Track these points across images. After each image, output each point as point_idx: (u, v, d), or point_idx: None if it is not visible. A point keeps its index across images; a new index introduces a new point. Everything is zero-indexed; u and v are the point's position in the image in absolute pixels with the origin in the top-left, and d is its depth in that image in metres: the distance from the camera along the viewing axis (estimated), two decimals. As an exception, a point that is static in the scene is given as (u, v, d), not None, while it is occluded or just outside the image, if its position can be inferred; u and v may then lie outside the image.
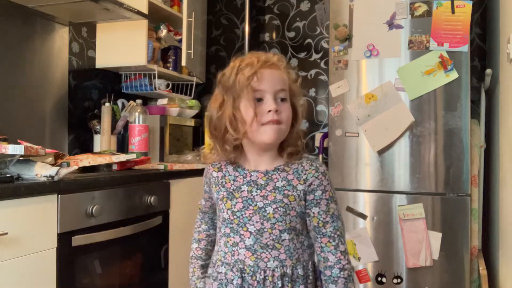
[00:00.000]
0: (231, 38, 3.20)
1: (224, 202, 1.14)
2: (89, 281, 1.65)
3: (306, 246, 1.14)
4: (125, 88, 2.69)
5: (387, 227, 2.26)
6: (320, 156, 2.76)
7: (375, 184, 2.29)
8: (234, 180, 1.15)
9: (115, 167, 1.99)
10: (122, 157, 1.95)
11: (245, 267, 1.10)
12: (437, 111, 2.21)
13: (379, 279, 2.26)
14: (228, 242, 1.13)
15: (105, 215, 1.68)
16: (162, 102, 2.74)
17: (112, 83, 2.66)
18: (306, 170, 1.12)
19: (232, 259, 1.11)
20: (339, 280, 1.09)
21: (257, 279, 1.08)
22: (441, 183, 2.20)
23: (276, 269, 1.09)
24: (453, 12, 2.17)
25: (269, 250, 1.09)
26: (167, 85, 2.77)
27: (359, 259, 2.28)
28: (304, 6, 3.06)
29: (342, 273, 1.09)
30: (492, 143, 2.40)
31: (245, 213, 1.11)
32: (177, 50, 2.83)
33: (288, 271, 1.09)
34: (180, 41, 2.79)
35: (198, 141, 2.93)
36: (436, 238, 2.18)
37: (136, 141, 2.38)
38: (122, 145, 2.51)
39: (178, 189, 2.16)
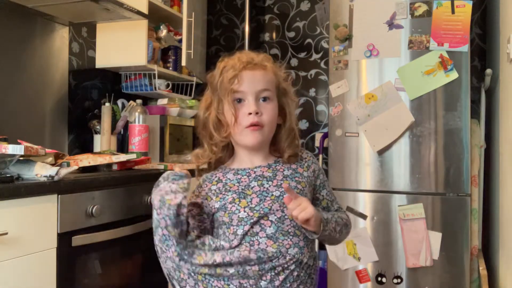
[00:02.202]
0: (231, 38, 3.20)
1: (237, 202, 1.11)
2: (89, 281, 1.65)
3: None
4: (125, 88, 2.69)
5: (387, 227, 2.26)
6: (320, 156, 2.76)
7: (375, 184, 2.29)
8: (239, 182, 1.14)
9: (115, 167, 1.99)
10: (122, 157, 1.95)
11: (268, 254, 1.08)
12: (437, 111, 2.21)
13: (379, 279, 2.26)
14: (246, 235, 1.10)
15: (105, 215, 1.68)
16: (162, 102, 2.74)
17: (112, 83, 2.66)
18: (305, 158, 1.19)
19: (251, 249, 1.09)
20: (344, 218, 1.21)
21: (279, 264, 1.07)
22: (441, 183, 2.20)
23: (296, 255, 1.09)
24: (453, 12, 2.17)
25: (290, 237, 1.10)
26: (167, 85, 2.77)
27: (359, 259, 2.28)
28: (304, 6, 3.06)
29: (348, 218, 1.23)
30: (492, 143, 2.40)
31: (264, 205, 1.10)
32: (177, 50, 2.82)
33: (305, 259, 1.11)
34: (180, 41, 2.79)
35: (198, 141, 2.93)
36: (436, 238, 2.18)
37: (136, 141, 2.38)
38: (122, 145, 2.51)
39: (178, 189, 2.16)
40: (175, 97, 2.81)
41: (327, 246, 2.34)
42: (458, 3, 2.17)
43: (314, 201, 1.19)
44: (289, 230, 1.10)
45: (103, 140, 2.37)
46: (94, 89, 2.55)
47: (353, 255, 2.28)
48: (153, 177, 2.04)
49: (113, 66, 2.57)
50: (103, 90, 2.59)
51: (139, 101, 2.49)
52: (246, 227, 1.09)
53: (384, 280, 2.25)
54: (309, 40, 3.05)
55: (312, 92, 3.03)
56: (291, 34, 3.09)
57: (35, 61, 2.18)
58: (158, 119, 2.54)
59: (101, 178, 1.70)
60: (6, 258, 1.31)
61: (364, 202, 2.31)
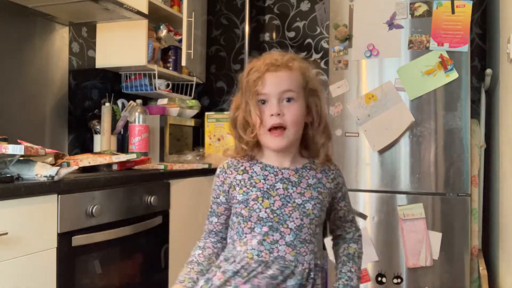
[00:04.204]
0: (231, 38, 3.20)
1: (260, 201, 1.12)
2: (89, 281, 1.65)
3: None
4: (125, 88, 2.69)
5: (387, 227, 2.26)
6: (320, 156, 2.75)
7: (375, 184, 2.29)
8: (265, 179, 1.15)
9: (115, 167, 1.99)
10: (122, 157, 1.95)
11: (286, 262, 1.11)
12: (437, 111, 2.21)
13: (379, 279, 2.26)
14: (265, 240, 1.11)
15: (105, 215, 1.68)
16: (162, 102, 2.74)
17: (112, 83, 2.66)
18: (332, 169, 1.21)
19: (270, 256, 1.11)
20: (359, 241, 1.26)
21: (297, 272, 1.11)
22: (441, 183, 2.20)
23: (311, 261, 1.13)
24: (453, 12, 2.17)
25: (307, 245, 1.13)
26: (167, 85, 2.77)
27: (359, 259, 2.28)
28: (304, 6, 3.06)
29: (360, 237, 1.28)
30: (492, 143, 2.40)
31: (284, 210, 1.12)
32: (177, 50, 2.83)
33: (319, 262, 1.15)
34: (180, 41, 2.79)
35: (198, 141, 2.93)
36: (436, 238, 2.18)
37: (136, 141, 2.38)
38: (122, 145, 2.51)
39: (178, 189, 2.16)
40: (175, 97, 2.81)
41: (327, 246, 2.34)
42: (458, 3, 2.17)
43: (332, 210, 1.23)
44: (306, 238, 1.13)
45: (103, 140, 2.37)
46: (94, 89, 2.55)
47: (353, 255, 2.28)
48: (153, 177, 2.06)
49: (113, 66, 2.57)
50: (103, 90, 2.59)
51: (139, 101, 2.49)
52: (265, 228, 1.11)
53: (384, 280, 2.25)
54: (309, 40, 3.05)
55: (312, 92, 3.03)
56: (291, 34, 3.09)
57: (35, 61, 2.18)
58: (158, 119, 2.54)
59: (101, 178, 1.70)
60: (6, 258, 1.31)
61: (364, 202, 2.31)
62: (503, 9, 2.14)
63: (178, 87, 3.02)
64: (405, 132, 2.23)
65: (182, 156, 2.57)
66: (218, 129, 2.84)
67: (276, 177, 1.15)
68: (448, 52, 2.18)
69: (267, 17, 3.15)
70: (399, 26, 2.25)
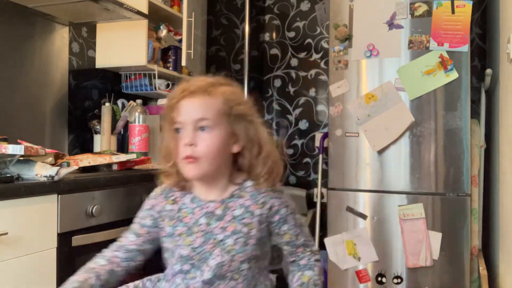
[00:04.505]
0: (231, 38, 3.20)
1: (183, 238, 1.07)
2: (89, 281, 1.64)
3: (264, 268, 1.13)
4: (125, 88, 2.69)
5: (387, 227, 2.26)
6: (320, 156, 2.76)
7: (375, 184, 2.29)
8: (192, 213, 1.09)
9: (115, 167, 1.99)
10: (122, 157, 1.95)
11: None
12: (437, 111, 2.21)
13: (379, 279, 2.26)
14: (186, 278, 1.08)
15: (105, 215, 1.68)
16: (162, 102, 2.74)
17: (112, 83, 2.66)
18: (263, 192, 1.08)
19: None
20: (315, 267, 1.15)
21: None
22: (441, 183, 2.20)
23: None
24: (453, 12, 2.17)
25: (227, 281, 1.06)
26: (167, 85, 2.77)
27: (359, 259, 2.28)
28: (304, 6, 3.06)
29: (318, 262, 1.17)
30: (492, 143, 2.40)
31: (205, 248, 1.06)
32: (177, 50, 2.82)
33: None
34: (180, 41, 2.79)
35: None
36: (436, 238, 2.18)
37: (136, 141, 2.38)
38: (122, 145, 2.51)
39: (178, 189, 2.16)
40: (175, 97, 2.80)
41: (327, 246, 2.34)
42: (458, 3, 2.17)
43: (275, 237, 1.12)
44: (226, 275, 1.05)
45: (103, 140, 2.37)
46: (94, 89, 2.55)
47: (353, 255, 2.28)
48: (153, 177, 2.06)
49: (113, 66, 2.57)
50: (103, 90, 2.59)
51: (139, 101, 2.49)
52: (186, 267, 1.07)
53: (384, 280, 2.25)
54: (309, 40, 3.05)
55: (312, 92, 3.03)
56: (291, 34, 3.09)
57: (35, 61, 2.18)
58: (158, 119, 2.54)
59: (101, 178, 1.70)
60: (6, 258, 1.31)
61: (364, 202, 2.31)
62: (503, 9, 2.14)
63: (178, 87, 3.02)
64: (405, 132, 2.23)
65: (182, 156, 2.56)
66: (218, 129, 2.84)
67: (201, 211, 1.08)
68: (448, 52, 2.18)
69: (267, 17, 3.15)
70: (399, 26, 2.25)
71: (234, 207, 1.08)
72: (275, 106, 3.12)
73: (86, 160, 1.84)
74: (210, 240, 1.06)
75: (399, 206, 2.23)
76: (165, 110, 1.08)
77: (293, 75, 3.07)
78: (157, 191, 1.15)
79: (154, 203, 1.14)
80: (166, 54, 2.81)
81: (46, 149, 1.61)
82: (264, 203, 1.08)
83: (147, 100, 2.81)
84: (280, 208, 1.10)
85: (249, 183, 1.09)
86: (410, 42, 2.23)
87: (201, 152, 1.03)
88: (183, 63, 2.65)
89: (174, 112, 1.04)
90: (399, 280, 2.23)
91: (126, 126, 2.48)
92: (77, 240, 1.56)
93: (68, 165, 1.74)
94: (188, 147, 1.02)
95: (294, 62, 3.07)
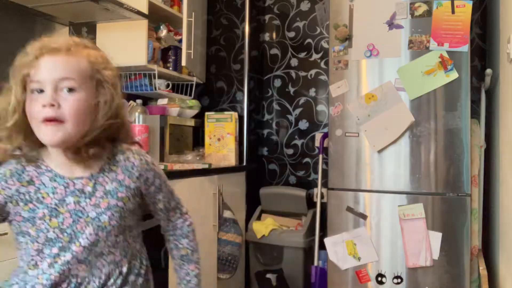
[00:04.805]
0: (231, 38, 3.20)
1: (47, 220, 0.98)
2: (89, 281, 1.64)
3: (137, 236, 1.12)
4: (125, 88, 2.69)
5: (387, 227, 2.26)
6: (320, 156, 2.76)
7: (375, 184, 2.29)
8: (53, 193, 0.99)
9: (115, 167, 1.99)
10: (122, 157, 1.94)
11: (79, 279, 1.01)
12: (437, 111, 2.21)
13: (379, 279, 2.26)
14: (56, 262, 0.99)
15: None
16: (162, 102, 2.74)
17: (112, 83, 2.66)
18: (137, 166, 1.06)
19: (62, 278, 0.99)
20: (189, 234, 1.19)
21: (90, 287, 1.01)
22: (441, 183, 2.20)
23: (111, 272, 1.04)
24: (453, 12, 2.18)
25: (104, 257, 1.02)
26: (167, 85, 2.77)
27: (359, 259, 2.28)
28: (304, 6, 3.06)
29: (190, 227, 1.19)
30: (492, 143, 2.40)
31: (76, 228, 0.99)
32: (177, 50, 2.83)
33: (124, 269, 1.05)
34: (180, 41, 2.79)
35: (198, 141, 2.93)
36: (436, 238, 2.18)
37: (136, 141, 2.38)
38: (122, 145, 2.51)
39: (178, 189, 2.14)
40: (175, 97, 2.81)
41: (327, 246, 2.34)
42: (458, 3, 2.17)
43: (150, 204, 1.13)
44: (104, 251, 1.01)
45: (103, 140, 2.36)
46: (94, 89, 2.54)
47: (353, 255, 2.29)
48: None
49: (113, 66, 2.56)
50: (103, 90, 2.58)
51: (139, 101, 2.49)
52: (54, 250, 0.98)
53: (384, 280, 2.25)
54: (309, 40, 3.05)
55: (312, 92, 3.03)
56: (291, 34, 3.09)
57: (35, 61, 2.17)
58: (158, 119, 2.54)
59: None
60: (6, 258, 1.31)
61: (364, 202, 2.31)
62: (503, 9, 2.14)
63: (178, 87, 3.02)
64: (405, 132, 2.23)
65: (182, 156, 2.57)
66: (218, 129, 2.84)
67: (67, 189, 0.99)
68: (448, 52, 2.18)
69: (267, 17, 3.15)
70: (399, 26, 2.25)
71: (106, 182, 1.02)
72: (275, 106, 3.13)
73: (86, 160, 1.83)
74: (81, 219, 0.99)
75: (399, 206, 2.23)
76: (16, 67, 0.99)
77: (293, 75, 3.07)
78: (4, 172, 0.99)
79: (1, 187, 0.98)
80: (166, 54, 2.81)
81: (46, 149, 1.60)
82: (140, 176, 1.06)
83: (147, 100, 2.81)
84: (155, 179, 1.09)
85: (121, 157, 1.05)
86: (410, 42, 2.24)
87: (66, 114, 0.94)
88: (183, 63, 2.65)
89: (31, 70, 0.96)
90: (399, 280, 2.23)
91: (126, 126, 2.48)
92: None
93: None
94: (49, 107, 0.93)
95: (294, 62, 3.07)
